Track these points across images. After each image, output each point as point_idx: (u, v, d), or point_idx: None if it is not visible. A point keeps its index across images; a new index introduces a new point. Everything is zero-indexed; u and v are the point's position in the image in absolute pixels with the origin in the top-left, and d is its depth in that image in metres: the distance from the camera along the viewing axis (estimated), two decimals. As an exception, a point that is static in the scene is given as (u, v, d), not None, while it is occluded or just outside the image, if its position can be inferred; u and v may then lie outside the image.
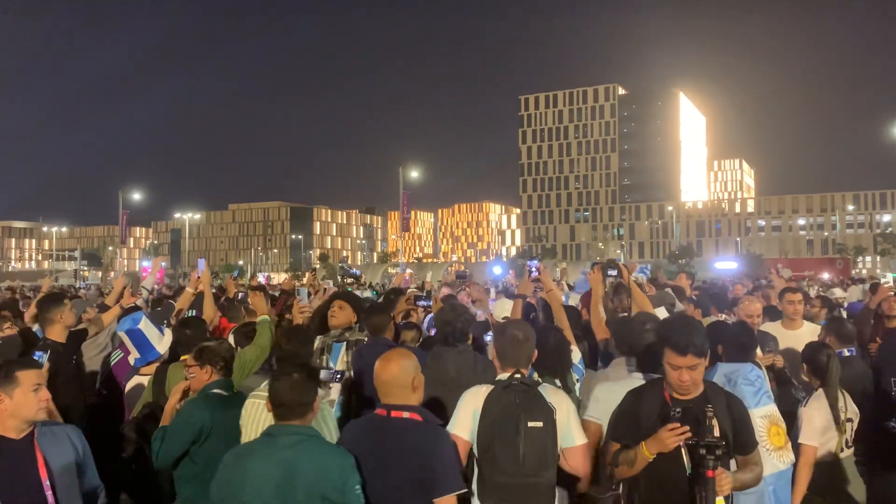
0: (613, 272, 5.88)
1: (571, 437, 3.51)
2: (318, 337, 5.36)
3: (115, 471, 5.07)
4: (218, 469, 3.22)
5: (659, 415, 3.42)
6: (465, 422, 3.49)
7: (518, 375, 3.56)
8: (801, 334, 6.12)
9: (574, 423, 3.56)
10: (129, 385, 5.36)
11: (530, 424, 3.38)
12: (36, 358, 4.75)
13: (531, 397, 3.47)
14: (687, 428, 3.19)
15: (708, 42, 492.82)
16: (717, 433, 3.26)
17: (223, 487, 3.14)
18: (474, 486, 3.52)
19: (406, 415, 3.20)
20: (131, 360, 5.38)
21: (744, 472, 3.42)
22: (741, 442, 3.43)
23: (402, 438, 3.15)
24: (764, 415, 4.23)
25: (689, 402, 3.40)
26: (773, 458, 4.18)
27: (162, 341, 5.31)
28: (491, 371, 4.08)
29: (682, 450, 3.30)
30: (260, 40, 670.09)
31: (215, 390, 4.13)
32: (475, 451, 3.49)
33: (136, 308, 6.83)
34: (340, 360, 5.13)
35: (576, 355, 4.88)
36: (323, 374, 3.98)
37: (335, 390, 4.87)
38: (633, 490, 3.49)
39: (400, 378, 3.25)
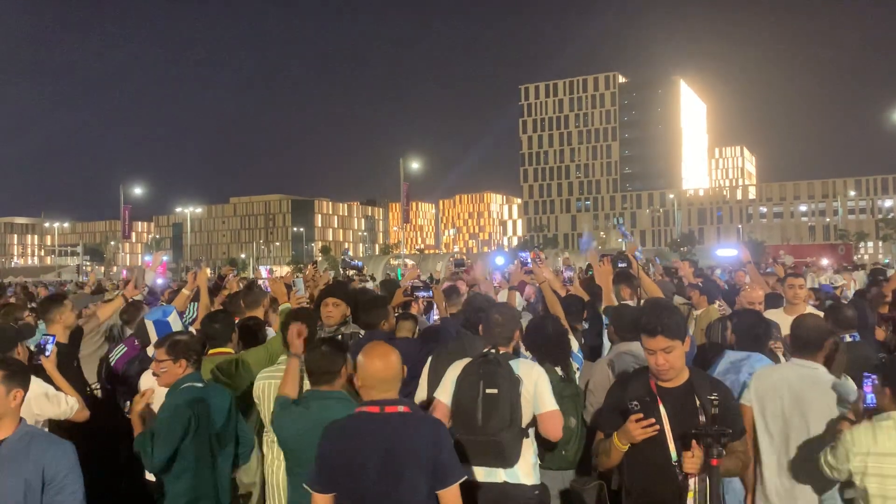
0: (623, 264, 5.89)
1: (540, 405, 3.90)
2: None
3: (116, 470, 5.09)
4: (273, 422, 3.93)
5: (618, 406, 3.44)
6: (446, 387, 4.01)
7: (493, 351, 4.00)
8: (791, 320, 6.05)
9: (544, 391, 3.94)
10: (144, 378, 5.34)
11: (487, 391, 3.82)
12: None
13: (493, 368, 3.89)
14: (653, 420, 3.21)
15: (708, 29, 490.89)
16: (702, 418, 3.27)
17: (278, 432, 3.86)
18: None
19: (401, 409, 3.08)
20: (150, 350, 5.34)
21: (727, 458, 3.30)
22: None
23: (411, 434, 3.04)
24: None
25: (674, 390, 3.39)
26: None
27: None
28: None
29: (667, 438, 3.29)
30: (261, 35, 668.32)
31: (189, 384, 4.00)
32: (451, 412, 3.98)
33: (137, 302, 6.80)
34: None
35: (574, 344, 4.90)
36: None
37: None
38: (622, 478, 3.50)
39: (397, 372, 3.15)
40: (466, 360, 4.04)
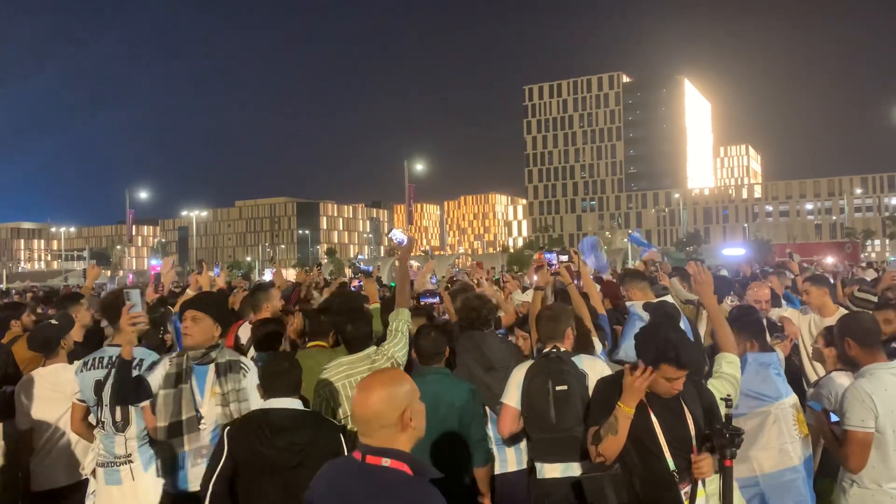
0: (564, 257, 5.83)
1: None
2: (167, 357, 4.11)
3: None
4: None
5: (609, 400, 3.37)
6: (512, 393, 4.16)
7: (553, 349, 4.15)
8: (825, 323, 6.02)
9: None
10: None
11: (557, 388, 3.96)
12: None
13: (559, 365, 4.04)
14: (650, 369, 3.22)
15: (712, 28, 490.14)
16: (690, 423, 3.29)
17: None
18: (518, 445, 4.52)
19: (386, 462, 2.31)
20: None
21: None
22: None
23: (378, 496, 2.29)
24: (792, 403, 4.22)
25: (661, 397, 3.35)
26: (802, 445, 4.22)
27: None
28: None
29: (662, 446, 3.27)
30: (264, 38, 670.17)
31: None
32: (522, 414, 4.13)
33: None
34: (210, 390, 3.99)
35: (597, 346, 4.88)
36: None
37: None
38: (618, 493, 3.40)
39: (383, 414, 2.36)
40: (528, 363, 4.21)
